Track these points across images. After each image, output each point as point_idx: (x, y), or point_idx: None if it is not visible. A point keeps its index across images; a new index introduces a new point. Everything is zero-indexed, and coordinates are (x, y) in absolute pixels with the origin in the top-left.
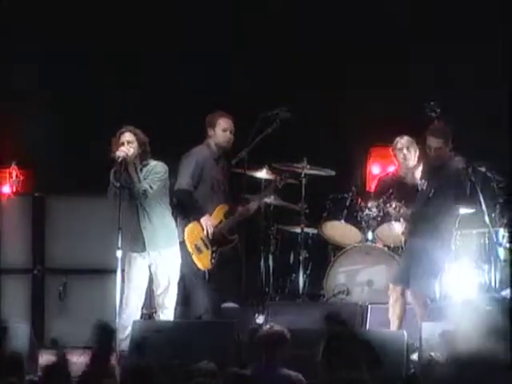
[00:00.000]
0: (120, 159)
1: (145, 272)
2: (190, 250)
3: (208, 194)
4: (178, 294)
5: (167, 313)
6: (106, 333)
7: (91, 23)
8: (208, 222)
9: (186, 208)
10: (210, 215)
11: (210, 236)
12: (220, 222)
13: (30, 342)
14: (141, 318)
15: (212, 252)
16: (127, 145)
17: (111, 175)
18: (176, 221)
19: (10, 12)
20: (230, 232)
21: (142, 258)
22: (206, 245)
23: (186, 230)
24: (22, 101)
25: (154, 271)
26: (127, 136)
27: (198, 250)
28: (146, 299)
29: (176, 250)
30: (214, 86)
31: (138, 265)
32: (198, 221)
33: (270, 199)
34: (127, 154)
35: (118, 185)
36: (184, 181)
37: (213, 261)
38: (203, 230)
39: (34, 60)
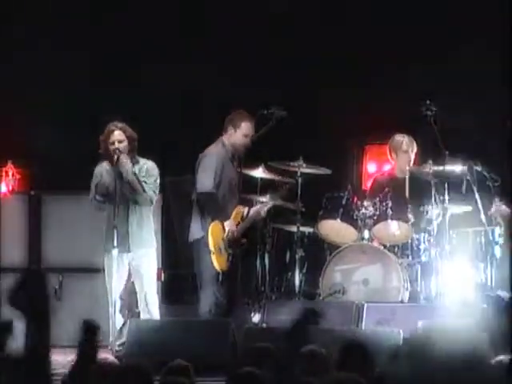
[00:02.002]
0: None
1: (125, 271)
2: (212, 248)
3: (227, 194)
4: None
5: (154, 311)
6: (90, 331)
7: (91, 23)
8: (232, 226)
9: (210, 209)
10: (229, 217)
11: (231, 239)
12: (238, 224)
13: (27, 340)
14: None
15: (228, 254)
16: (118, 144)
17: (92, 190)
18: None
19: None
20: (243, 235)
21: (124, 257)
22: (226, 247)
23: (210, 229)
24: (19, 100)
25: (138, 270)
26: (117, 135)
27: (220, 250)
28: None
29: (155, 249)
30: (213, 85)
31: (119, 264)
32: (222, 221)
33: (265, 198)
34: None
35: (101, 199)
36: (207, 182)
37: (229, 263)
38: (225, 231)
39: (33, 58)
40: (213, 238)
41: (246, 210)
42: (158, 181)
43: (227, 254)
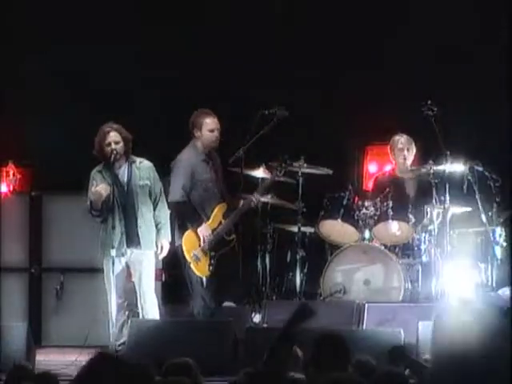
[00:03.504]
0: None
1: (125, 271)
2: (187, 258)
3: (203, 197)
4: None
5: (153, 311)
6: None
7: (90, 23)
8: (205, 231)
9: (182, 218)
10: (209, 218)
11: (207, 246)
12: (219, 224)
13: (27, 341)
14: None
15: (210, 258)
16: (114, 145)
17: (88, 204)
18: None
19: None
20: (228, 233)
21: (123, 257)
22: (204, 252)
23: (184, 238)
24: (21, 100)
25: (137, 270)
26: (113, 136)
27: (196, 258)
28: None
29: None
30: (213, 85)
31: (118, 264)
32: (195, 229)
33: (267, 198)
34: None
35: (96, 213)
36: (177, 192)
37: (211, 267)
38: (200, 239)
39: (33, 59)
40: (187, 247)
41: (226, 206)
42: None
43: (208, 258)
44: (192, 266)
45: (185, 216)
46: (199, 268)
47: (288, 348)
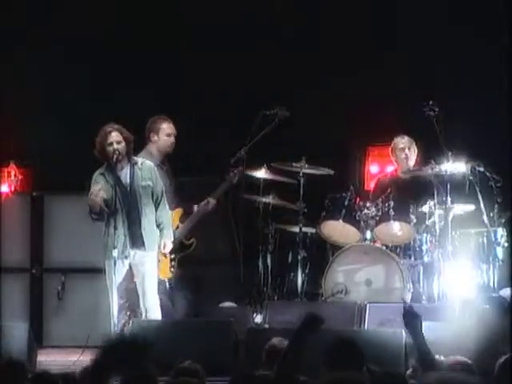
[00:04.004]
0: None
1: (127, 272)
2: None
3: None
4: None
5: (155, 311)
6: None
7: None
8: None
9: None
10: None
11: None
12: (176, 228)
13: (29, 341)
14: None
15: (171, 260)
16: (116, 145)
17: (88, 210)
18: None
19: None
20: (187, 237)
21: (125, 258)
22: (164, 254)
23: None
24: (22, 100)
25: (140, 270)
26: (114, 136)
27: (157, 261)
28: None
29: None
30: (214, 84)
31: (120, 264)
32: None
33: (268, 198)
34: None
35: (96, 217)
36: None
37: (172, 269)
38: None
39: (33, 60)
40: None
41: (182, 211)
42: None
43: (169, 261)
44: None
45: None
46: (161, 270)
47: (300, 351)
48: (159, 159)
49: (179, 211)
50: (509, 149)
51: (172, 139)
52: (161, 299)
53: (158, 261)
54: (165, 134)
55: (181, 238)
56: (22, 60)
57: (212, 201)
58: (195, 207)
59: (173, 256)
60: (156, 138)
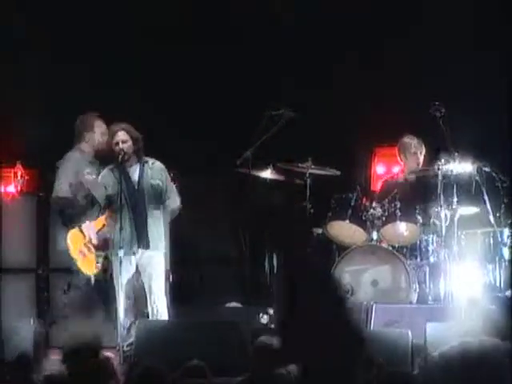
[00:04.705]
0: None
1: (133, 272)
2: (74, 256)
3: (89, 197)
4: None
5: (162, 312)
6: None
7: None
8: (89, 228)
9: (66, 215)
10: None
11: (93, 241)
12: (103, 226)
13: (35, 341)
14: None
15: (97, 256)
16: (122, 144)
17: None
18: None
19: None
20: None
21: (132, 257)
22: (89, 250)
23: (69, 236)
24: (29, 100)
25: (146, 270)
26: (121, 135)
27: (83, 255)
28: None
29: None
30: (217, 85)
31: (127, 264)
32: (80, 227)
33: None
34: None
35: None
36: (62, 187)
37: (98, 265)
38: (85, 236)
39: (37, 59)
40: (73, 244)
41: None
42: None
43: (94, 257)
44: (79, 263)
45: (69, 213)
46: (86, 265)
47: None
48: (91, 156)
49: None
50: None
51: (105, 138)
52: (80, 295)
53: (84, 256)
54: (99, 132)
55: (107, 236)
56: (30, 60)
57: None
58: None
59: (99, 253)
60: (89, 135)
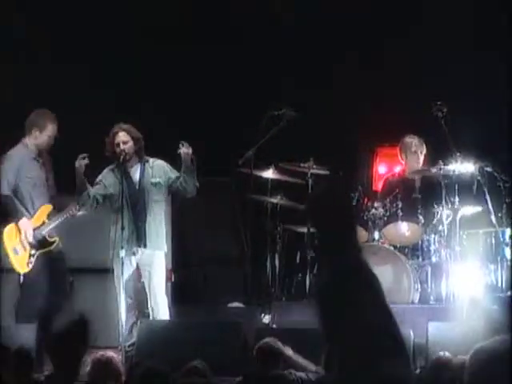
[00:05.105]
0: None
1: (134, 272)
2: (7, 252)
3: (31, 194)
4: None
5: (163, 311)
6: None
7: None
8: (26, 226)
9: (5, 211)
10: (33, 216)
11: (28, 239)
12: (42, 224)
13: (37, 341)
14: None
15: (30, 255)
16: (123, 145)
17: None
18: None
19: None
20: (50, 234)
21: (133, 257)
22: (24, 247)
23: (5, 232)
24: (33, 100)
25: (147, 270)
26: (121, 136)
27: (15, 252)
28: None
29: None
30: (218, 85)
31: (128, 264)
32: (17, 223)
33: (276, 199)
34: None
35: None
36: (4, 185)
37: (30, 264)
38: (21, 232)
39: (40, 59)
40: (7, 240)
41: (51, 207)
42: None
43: (28, 255)
44: (11, 260)
45: (7, 209)
46: (17, 263)
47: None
48: (35, 152)
49: (48, 207)
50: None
51: (52, 140)
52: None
53: (17, 253)
54: (48, 134)
55: (44, 234)
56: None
57: (77, 207)
58: (66, 210)
59: (33, 252)
60: (37, 133)
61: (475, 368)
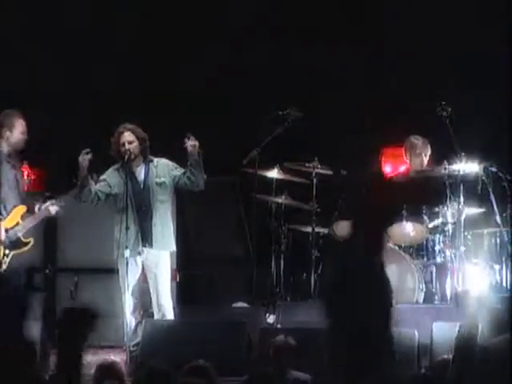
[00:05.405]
0: None
1: (139, 272)
2: None
3: (5, 195)
4: None
5: (168, 311)
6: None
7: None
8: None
9: None
10: (6, 217)
11: (1, 239)
12: (16, 224)
13: (42, 340)
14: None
15: (3, 256)
16: (128, 145)
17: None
18: None
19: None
20: (25, 235)
21: (138, 257)
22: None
23: None
24: (36, 100)
25: (152, 270)
26: (127, 136)
27: None
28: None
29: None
30: (223, 84)
31: (133, 264)
32: None
33: (281, 199)
34: None
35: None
36: None
37: (4, 265)
38: None
39: (40, 60)
40: None
41: (25, 208)
42: None
43: (1, 255)
44: None
45: None
46: None
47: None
48: (7, 154)
49: (22, 208)
50: None
51: (24, 136)
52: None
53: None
54: (19, 131)
55: (18, 234)
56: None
57: (54, 208)
58: (38, 209)
59: (7, 252)
60: (8, 133)
61: (479, 367)
